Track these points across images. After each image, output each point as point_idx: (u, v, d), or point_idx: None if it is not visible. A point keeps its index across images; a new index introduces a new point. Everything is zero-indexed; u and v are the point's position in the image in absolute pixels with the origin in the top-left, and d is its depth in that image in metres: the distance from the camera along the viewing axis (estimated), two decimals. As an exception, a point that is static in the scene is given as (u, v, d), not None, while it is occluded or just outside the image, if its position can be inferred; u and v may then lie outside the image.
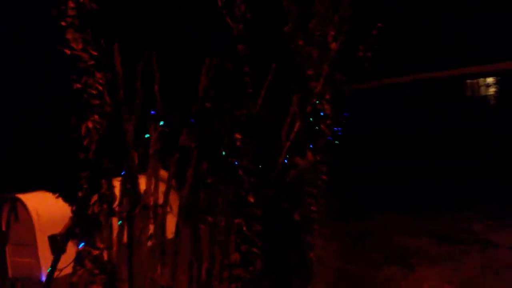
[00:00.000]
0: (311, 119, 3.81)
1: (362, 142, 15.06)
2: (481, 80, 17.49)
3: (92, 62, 2.94)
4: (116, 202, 3.02)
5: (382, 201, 12.39)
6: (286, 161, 3.50)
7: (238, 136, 3.21)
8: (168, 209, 3.40)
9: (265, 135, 3.41)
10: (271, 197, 3.53)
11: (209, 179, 3.30)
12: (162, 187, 3.45)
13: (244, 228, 3.13)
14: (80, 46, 2.90)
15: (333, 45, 4.32)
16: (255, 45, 3.22)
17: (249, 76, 3.27)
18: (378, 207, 11.77)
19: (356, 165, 14.89)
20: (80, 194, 2.84)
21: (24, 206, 7.29)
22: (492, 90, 17.30)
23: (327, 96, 4.43)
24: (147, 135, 3.21)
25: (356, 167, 14.89)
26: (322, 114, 4.13)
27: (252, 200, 3.19)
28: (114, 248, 3.06)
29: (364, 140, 15.13)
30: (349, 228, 10.37)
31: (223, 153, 3.20)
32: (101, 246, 2.84)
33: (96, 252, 2.80)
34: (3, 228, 7.43)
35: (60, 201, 6.59)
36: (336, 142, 4.64)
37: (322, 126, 4.39)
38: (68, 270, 2.87)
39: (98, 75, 2.92)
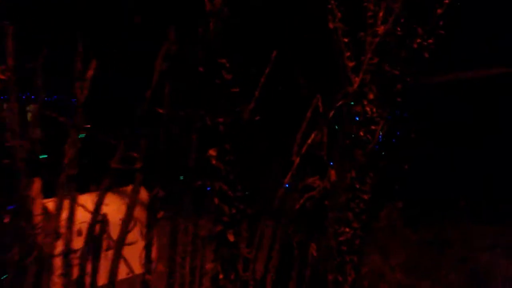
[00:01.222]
0: (336, 126, 2.86)
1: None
2: None
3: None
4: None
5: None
6: (295, 182, 2.59)
7: (212, 153, 2.35)
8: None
9: (260, 149, 2.53)
10: (274, 230, 2.67)
11: (160, 213, 2.47)
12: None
13: (221, 276, 2.30)
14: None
15: (381, 28, 3.28)
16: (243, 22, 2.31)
17: (233, 69, 2.37)
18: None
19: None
20: None
21: None
22: None
23: (370, 96, 3.41)
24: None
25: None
26: (357, 118, 3.13)
27: (231, 238, 2.34)
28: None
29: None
30: (420, 235, 9.12)
31: (181, 177, 2.37)
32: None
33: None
34: None
35: None
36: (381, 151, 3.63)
37: (360, 133, 3.39)
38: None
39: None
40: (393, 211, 10.58)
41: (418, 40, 3.35)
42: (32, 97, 2.32)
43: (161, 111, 2.36)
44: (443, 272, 7.71)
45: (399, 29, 3.20)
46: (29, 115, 2.52)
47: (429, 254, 8.41)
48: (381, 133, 3.70)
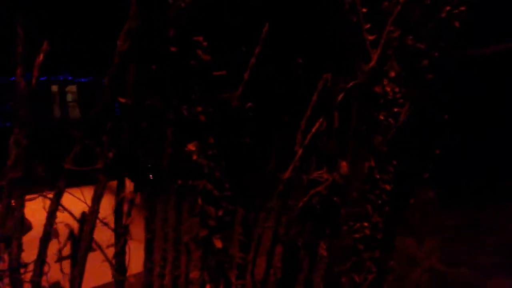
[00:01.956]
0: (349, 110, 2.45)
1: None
2: None
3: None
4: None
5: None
6: (298, 176, 2.22)
7: (191, 147, 2.00)
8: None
9: (254, 141, 2.17)
10: (274, 231, 2.32)
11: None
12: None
13: (208, 287, 1.98)
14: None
15: (402, -5, 2.82)
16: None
17: (213, 49, 1.99)
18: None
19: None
20: None
21: None
22: None
23: (391, 74, 2.96)
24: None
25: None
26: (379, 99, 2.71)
27: (219, 243, 2.00)
28: None
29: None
30: (455, 220, 8.64)
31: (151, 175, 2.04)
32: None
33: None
34: None
35: None
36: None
37: (380, 117, 2.97)
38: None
39: None
40: (426, 195, 10.06)
41: (448, 8, 2.86)
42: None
43: (123, 100, 2.02)
44: (481, 258, 7.27)
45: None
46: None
47: (465, 239, 7.96)
48: (404, 116, 3.27)
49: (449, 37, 2.99)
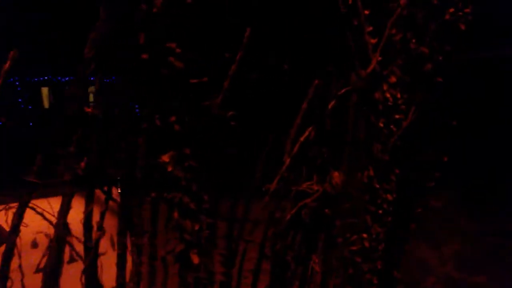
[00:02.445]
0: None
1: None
2: None
3: None
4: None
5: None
6: (286, 187, 2.11)
7: (165, 159, 1.90)
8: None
9: (237, 151, 2.07)
10: (261, 245, 2.22)
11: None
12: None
13: None
14: None
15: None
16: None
17: (188, 55, 1.88)
18: None
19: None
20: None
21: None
22: None
23: (392, 79, 2.83)
24: None
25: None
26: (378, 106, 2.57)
27: (196, 259, 1.91)
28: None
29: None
30: (478, 225, 8.35)
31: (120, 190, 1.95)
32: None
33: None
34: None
35: None
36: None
37: (380, 124, 2.84)
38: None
39: None
40: (447, 200, 9.80)
41: (452, 10, 2.70)
42: None
43: (89, 110, 1.93)
44: (502, 266, 6.99)
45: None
46: None
47: (486, 246, 7.66)
48: (406, 123, 3.12)
49: (454, 40, 2.84)
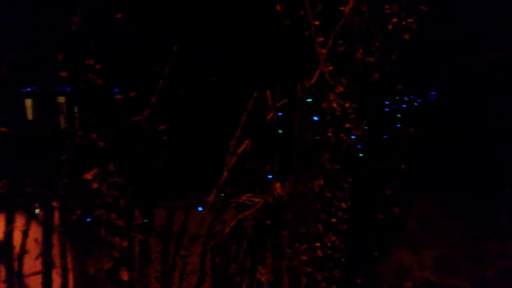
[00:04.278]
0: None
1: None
2: None
3: None
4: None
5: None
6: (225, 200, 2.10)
7: (88, 176, 1.89)
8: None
9: (170, 164, 2.06)
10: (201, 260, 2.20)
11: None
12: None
13: None
14: None
15: (347, 7, 2.70)
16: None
17: (109, 71, 1.87)
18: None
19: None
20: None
21: None
22: None
23: (339, 89, 2.84)
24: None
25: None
26: (316, 119, 2.58)
27: (126, 277, 1.90)
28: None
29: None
30: (458, 228, 8.34)
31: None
32: None
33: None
34: None
35: None
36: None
37: (328, 133, 2.85)
38: None
39: None
40: (427, 200, 9.82)
41: (395, 20, 2.71)
42: None
43: (4, 130, 1.92)
44: (481, 269, 6.97)
45: (364, 9, 2.58)
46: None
47: (466, 248, 7.66)
48: (358, 132, 3.14)
49: (399, 49, 2.85)
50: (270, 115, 2.42)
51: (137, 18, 1.94)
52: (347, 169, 3.09)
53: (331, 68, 2.89)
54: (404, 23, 2.77)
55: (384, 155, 3.46)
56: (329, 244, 3.16)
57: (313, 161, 2.82)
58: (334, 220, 3.15)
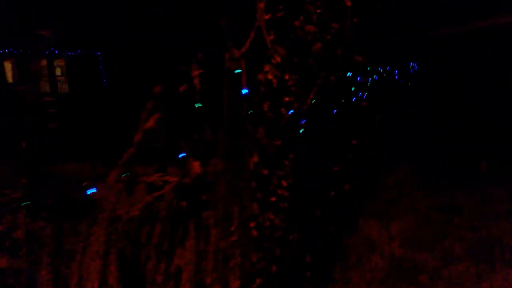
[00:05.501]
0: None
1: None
2: None
3: None
4: None
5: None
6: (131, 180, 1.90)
7: None
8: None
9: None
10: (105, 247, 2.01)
11: None
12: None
13: None
14: None
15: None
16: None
17: None
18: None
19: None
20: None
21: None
22: None
23: (276, 59, 2.62)
24: None
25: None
26: (245, 92, 2.36)
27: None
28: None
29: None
30: (429, 202, 8.30)
31: None
32: None
33: None
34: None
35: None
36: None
37: (264, 108, 2.64)
38: None
39: None
40: (402, 174, 9.73)
41: None
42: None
43: None
44: (447, 243, 6.95)
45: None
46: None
47: (435, 222, 7.62)
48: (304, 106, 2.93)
49: (341, 18, 2.62)
50: (184, 86, 2.19)
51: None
52: (287, 145, 2.89)
53: (272, 37, 2.65)
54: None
55: (337, 131, 3.26)
56: (267, 224, 3.00)
57: (248, 137, 2.62)
58: (273, 199, 2.98)
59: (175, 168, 2.27)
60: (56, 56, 14.92)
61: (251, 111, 2.58)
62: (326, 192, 3.51)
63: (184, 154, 2.20)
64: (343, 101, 3.13)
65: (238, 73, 2.41)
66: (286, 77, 2.67)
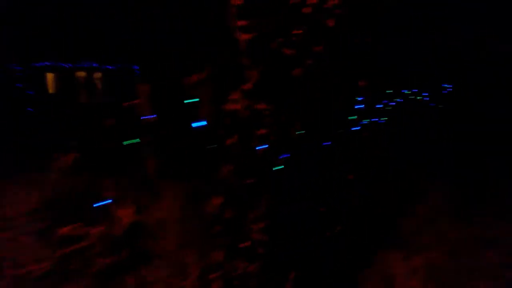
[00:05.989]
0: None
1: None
2: None
3: None
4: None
5: None
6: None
7: None
8: None
9: None
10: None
11: None
12: None
13: None
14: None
15: None
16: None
17: None
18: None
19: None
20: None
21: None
22: None
23: (247, 85, 2.23)
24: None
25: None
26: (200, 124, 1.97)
27: None
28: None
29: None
30: (461, 231, 7.67)
31: None
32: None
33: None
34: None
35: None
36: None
37: None
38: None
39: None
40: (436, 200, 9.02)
41: (315, 1, 2.04)
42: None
43: None
44: (474, 282, 6.38)
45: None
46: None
47: (463, 256, 7.01)
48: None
49: (323, 40, 2.19)
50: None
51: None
52: (262, 184, 2.48)
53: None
54: (328, 6, 2.08)
55: (326, 166, 2.83)
56: (238, 272, 2.59)
57: (209, 176, 2.22)
58: (244, 244, 2.57)
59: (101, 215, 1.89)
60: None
61: (215, 145, 2.18)
62: (324, 230, 3.08)
63: (109, 201, 1.81)
64: (337, 131, 2.69)
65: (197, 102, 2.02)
66: (260, 106, 2.25)
